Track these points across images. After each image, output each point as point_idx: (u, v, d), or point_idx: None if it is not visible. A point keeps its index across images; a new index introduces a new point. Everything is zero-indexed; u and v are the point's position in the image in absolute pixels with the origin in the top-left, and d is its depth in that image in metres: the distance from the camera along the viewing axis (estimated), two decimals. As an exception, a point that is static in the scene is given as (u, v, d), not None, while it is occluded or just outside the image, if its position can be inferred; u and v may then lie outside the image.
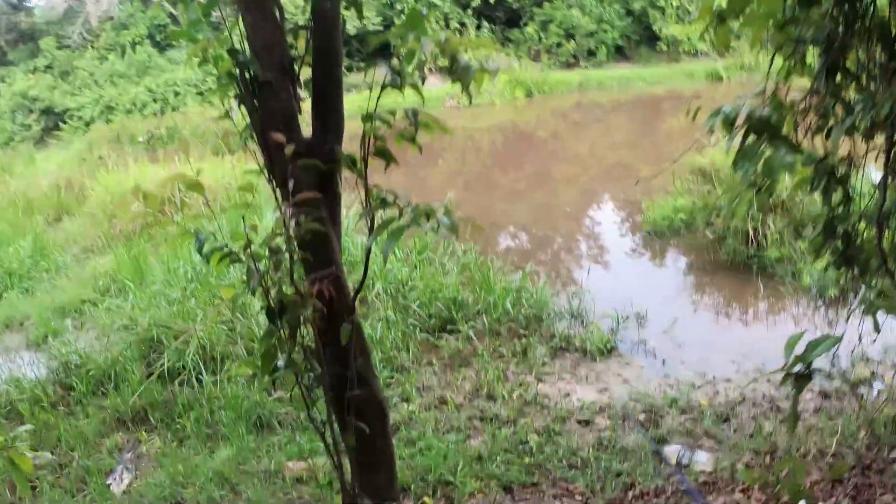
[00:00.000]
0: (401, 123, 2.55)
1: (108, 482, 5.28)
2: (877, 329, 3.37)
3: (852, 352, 6.10)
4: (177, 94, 33.30)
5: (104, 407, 6.19)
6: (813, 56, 3.18)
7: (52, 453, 5.61)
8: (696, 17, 3.34)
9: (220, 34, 2.70)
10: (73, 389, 6.53)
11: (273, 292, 2.52)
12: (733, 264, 8.90)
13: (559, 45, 33.77)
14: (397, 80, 2.45)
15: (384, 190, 2.51)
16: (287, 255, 2.47)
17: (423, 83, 3.02)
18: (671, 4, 33.41)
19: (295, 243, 2.45)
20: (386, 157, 2.60)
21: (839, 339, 2.06)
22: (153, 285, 8.34)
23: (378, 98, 2.50)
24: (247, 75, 2.65)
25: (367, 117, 2.49)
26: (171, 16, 39.13)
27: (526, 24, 34.67)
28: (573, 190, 15.39)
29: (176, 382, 6.30)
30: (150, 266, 9.13)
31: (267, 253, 2.49)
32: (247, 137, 2.79)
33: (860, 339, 4.95)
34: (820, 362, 2.76)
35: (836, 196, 3.41)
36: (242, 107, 2.72)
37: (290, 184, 2.46)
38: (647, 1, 32.92)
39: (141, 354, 6.72)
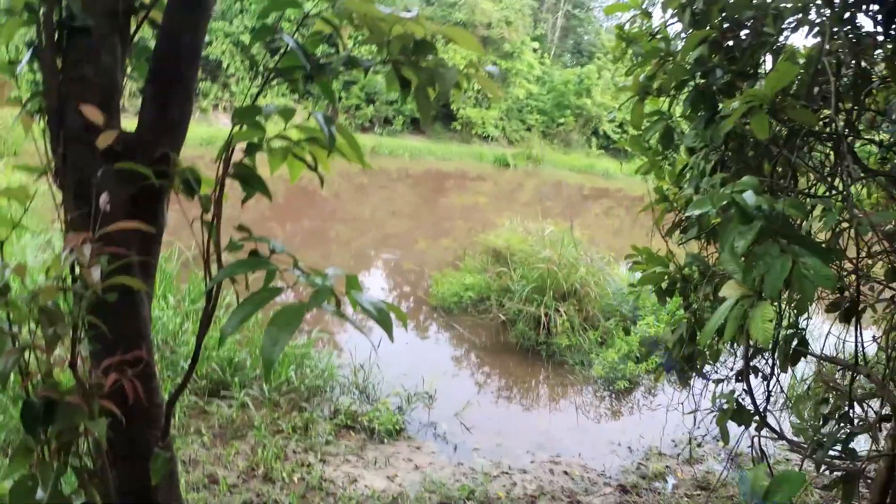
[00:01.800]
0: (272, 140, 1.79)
1: None
2: (725, 440, 3.17)
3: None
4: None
5: None
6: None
7: None
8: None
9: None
10: None
11: (37, 381, 1.58)
12: (523, 348, 8.92)
13: (358, 107, 33.99)
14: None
15: (251, 233, 1.70)
16: (70, 322, 1.52)
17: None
18: (472, 87, 34.81)
19: (84, 303, 1.50)
20: (251, 182, 1.78)
21: (804, 479, 1.73)
22: None
23: (255, 98, 1.75)
24: (55, 14, 1.67)
25: (241, 112, 1.69)
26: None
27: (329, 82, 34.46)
28: (350, 253, 14.99)
29: None
30: None
31: (34, 313, 1.49)
32: (34, 110, 1.81)
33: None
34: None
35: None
36: (35, 61, 1.73)
37: (98, 198, 1.58)
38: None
39: None
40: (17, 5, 1.73)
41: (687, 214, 2.94)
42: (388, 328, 1.47)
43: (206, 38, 1.86)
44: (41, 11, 1.67)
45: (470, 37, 1.72)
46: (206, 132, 27.43)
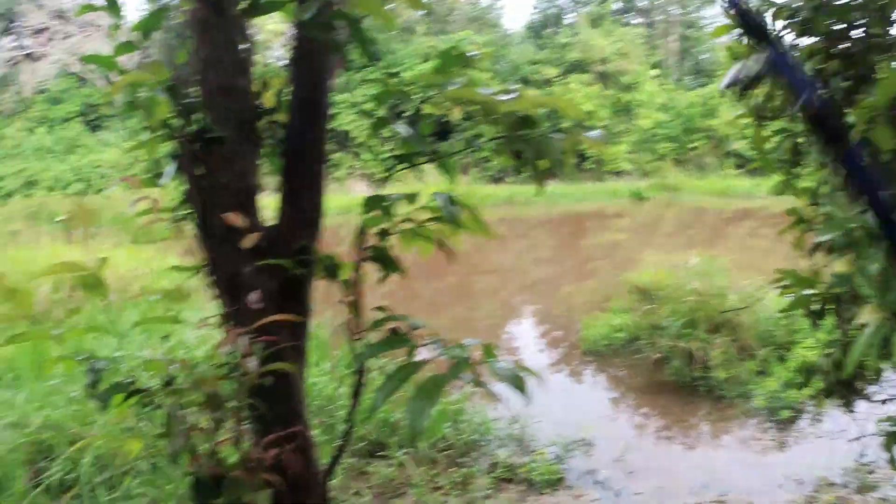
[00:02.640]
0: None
1: None
2: (894, 465, 2.96)
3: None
4: (102, 176, 32.45)
5: (-23, 517, 5.30)
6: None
7: None
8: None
9: (155, 65, 1.94)
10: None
11: (205, 458, 1.71)
12: (679, 385, 8.61)
13: (487, 159, 34.32)
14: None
15: (386, 311, 1.78)
16: (233, 406, 1.67)
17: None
18: (599, 125, 34.57)
19: (244, 388, 1.66)
20: (386, 263, 1.92)
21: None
22: (52, 380, 7.45)
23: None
24: (190, 126, 1.87)
25: (370, 202, 1.83)
26: (105, 97, 38.55)
27: (456, 138, 35.16)
28: (498, 304, 15.04)
29: (66, 497, 5.43)
30: (49, 356, 8.23)
31: (198, 398, 1.66)
32: (181, 217, 1.99)
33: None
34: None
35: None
36: (178, 173, 1.92)
37: (247, 292, 1.75)
38: (574, 121, 33.77)
39: (28, 459, 5.84)
40: (154, 122, 1.92)
41: (817, 241, 2.82)
42: (522, 390, 1.57)
43: (332, 111, 2.03)
44: (179, 126, 1.86)
45: (571, 104, 1.80)
46: (344, 201, 28.63)
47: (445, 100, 1.84)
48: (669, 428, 7.89)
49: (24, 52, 39.27)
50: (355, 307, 1.87)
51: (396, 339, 1.71)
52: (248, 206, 1.91)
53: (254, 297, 1.76)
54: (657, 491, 6.02)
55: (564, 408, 7.79)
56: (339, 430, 6.34)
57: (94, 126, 36.66)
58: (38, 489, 5.48)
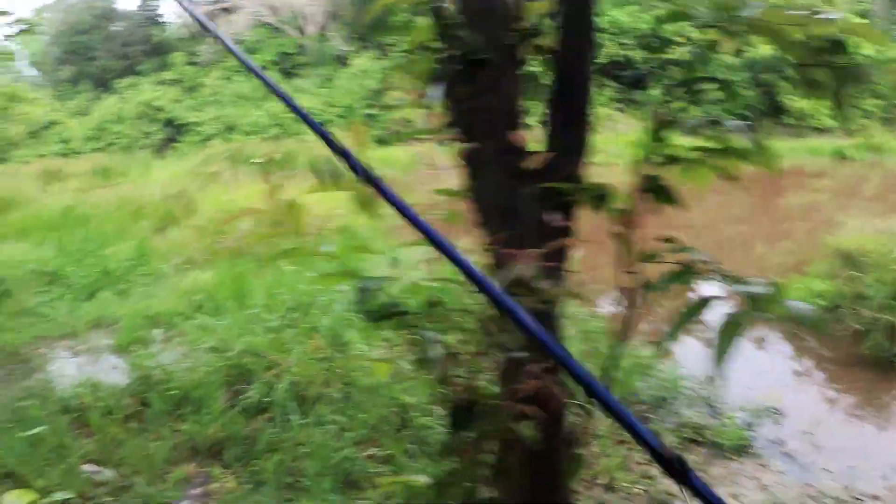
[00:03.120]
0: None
1: (168, 518, 4.77)
2: None
3: None
4: (297, 121, 33.78)
5: (179, 431, 5.73)
6: None
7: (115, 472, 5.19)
8: None
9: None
10: (150, 406, 6.10)
11: (463, 386, 1.67)
12: (877, 361, 7.91)
13: (684, 109, 32.78)
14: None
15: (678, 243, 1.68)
16: (493, 335, 1.58)
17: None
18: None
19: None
20: (663, 194, 1.83)
21: None
22: (251, 309, 7.92)
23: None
24: (453, 51, 1.81)
25: (657, 127, 1.73)
26: (298, 46, 40.45)
27: (651, 87, 33.91)
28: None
29: (261, 419, 5.78)
30: (250, 288, 8.75)
31: (460, 324, 1.60)
32: (444, 139, 1.95)
33: None
34: None
35: None
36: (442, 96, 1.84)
37: (521, 217, 1.67)
38: (776, 73, 31.48)
39: (227, 381, 6.25)
40: (415, 43, 1.90)
41: None
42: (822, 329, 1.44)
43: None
44: (442, 49, 1.82)
45: (873, 29, 1.57)
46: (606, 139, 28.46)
47: (747, 27, 1.66)
48: (863, 406, 7.31)
49: (221, 6, 41.54)
50: (627, 239, 1.75)
51: (685, 272, 1.59)
52: (515, 130, 1.86)
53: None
54: (848, 471, 5.60)
55: (754, 373, 7.37)
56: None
57: (288, 73, 38.31)
58: (235, 409, 5.86)
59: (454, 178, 1.92)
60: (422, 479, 1.73)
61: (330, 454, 5.19)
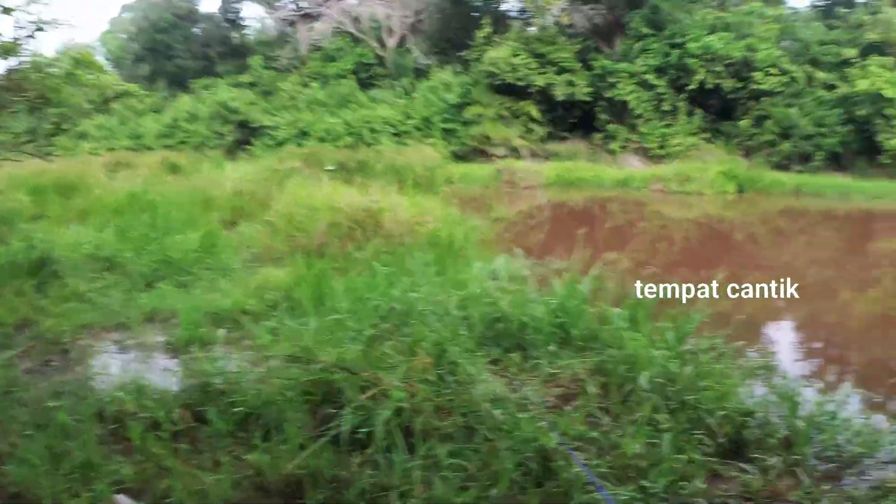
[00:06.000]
0: None
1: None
2: None
3: None
4: (373, 130, 33.19)
5: (243, 461, 4.37)
6: None
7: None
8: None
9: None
10: (207, 423, 4.81)
11: None
12: None
13: (773, 143, 30.77)
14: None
15: None
16: None
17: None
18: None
19: None
20: None
21: None
22: (335, 314, 6.51)
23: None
24: None
25: None
26: (377, 57, 39.58)
27: (740, 118, 31.99)
28: (759, 305, 12.76)
29: (356, 455, 4.34)
30: (333, 290, 7.37)
31: None
32: None
33: None
34: None
35: None
36: None
37: None
38: (873, 109, 28.95)
39: (309, 401, 4.87)
40: None
41: None
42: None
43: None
44: None
45: None
46: (619, 174, 27.13)
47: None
48: None
49: (301, 12, 41.12)
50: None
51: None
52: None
53: None
54: None
55: None
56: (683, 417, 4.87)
57: (365, 84, 37.63)
58: (322, 439, 4.45)
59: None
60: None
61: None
